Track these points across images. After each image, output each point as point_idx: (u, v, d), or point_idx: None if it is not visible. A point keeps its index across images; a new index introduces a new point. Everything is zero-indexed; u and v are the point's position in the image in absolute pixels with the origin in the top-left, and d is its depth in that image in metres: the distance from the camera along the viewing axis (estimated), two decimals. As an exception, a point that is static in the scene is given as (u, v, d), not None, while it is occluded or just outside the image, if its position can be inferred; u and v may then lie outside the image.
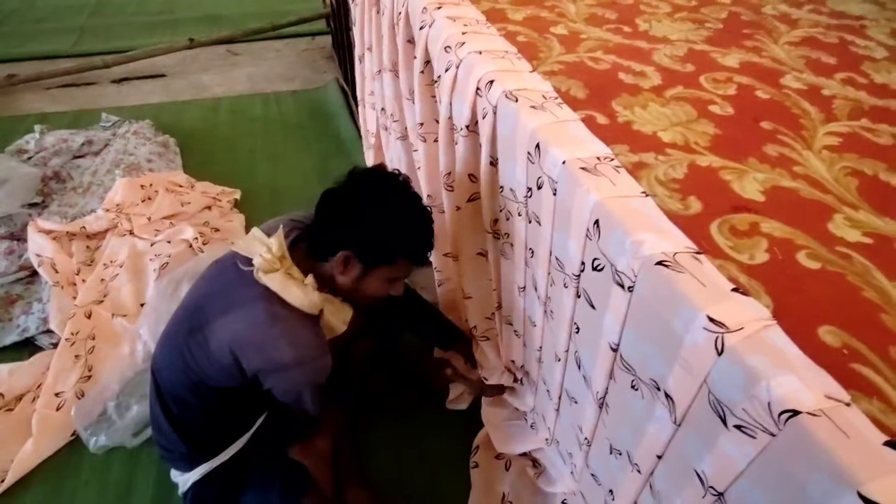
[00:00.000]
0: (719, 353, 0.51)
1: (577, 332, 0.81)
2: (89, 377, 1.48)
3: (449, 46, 1.00)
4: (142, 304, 1.65)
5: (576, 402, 0.91)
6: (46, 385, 1.43)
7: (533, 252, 0.90)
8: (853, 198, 0.70)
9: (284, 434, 1.20)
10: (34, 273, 1.73)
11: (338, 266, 0.94)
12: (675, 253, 0.58)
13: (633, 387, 0.68)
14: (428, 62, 1.13)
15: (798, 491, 0.45)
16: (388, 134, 1.64)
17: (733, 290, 0.54)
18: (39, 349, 1.55)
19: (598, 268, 0.68)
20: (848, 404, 0.45)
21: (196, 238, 1.81)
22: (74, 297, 1.65)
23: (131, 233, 1.86)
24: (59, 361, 1.48)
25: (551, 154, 0.72)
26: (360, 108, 2.07)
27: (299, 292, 0.90)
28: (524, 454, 1.23)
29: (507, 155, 0.87)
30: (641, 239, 0.59)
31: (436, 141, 1.23)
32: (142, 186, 1.98)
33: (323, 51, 3.17)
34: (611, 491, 0.84)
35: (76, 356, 1.51)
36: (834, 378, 0.47)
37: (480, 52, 0.94)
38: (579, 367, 0.84)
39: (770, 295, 0.56)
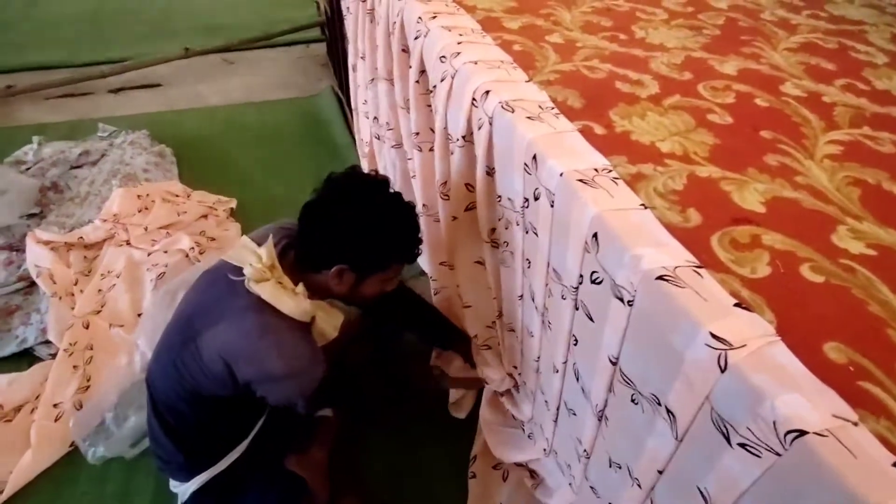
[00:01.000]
0: (722, 371, 0.50)
1: (576, 345, 0.80)
2: (87, 387, 1.48)
3: (444, 56, 0.99)
4: (139, 314, 1.65)
5: (574, 414, 0.90)
6: (45, 396, 1.43)
7: (530, 263, 0.89)
8: (856, 208, 0.69)
9: (281, 443, 1.20)
10: (33, 284, 1.72)
11: (332, 279, 0.94)
12: (676, 267, 0.57)
13: (633, 401, 0.67)
14: (423, 72, 1.12)
15: (805, 513, 0.44)
16: (381, 143, 1.63)
17: (735, 305, 0.53)
18: (38, 360, 1.55)
19: (597, 281, 0.67)
20: (855, 424, 0.44)
21: (192, 248, 1.81)
22: (72, 308, 1.65)
23: (128, 243, 1.85)
24: (57, 372, 1.48)
25: (548, 166, 0.72)
26: (354, 117, 2.07)
27: (291, 301, 0.90)
28: (521, 465, 1.21)
29: (504, 165, 0.86)
30: (641, 253, 0.58)
31: (431, 150, 1.23)
32: (138, 196, 1.98)
33: (318, 59, 3.17)
34: (610, 504, 0.83)
35: (74, 367, 1.50)
36: (840, 396, 0.46)
37: (476, 62, 0.93)
38: (578, 379, 0.83)
39: (773, 310, 0.55)
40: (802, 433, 0.43)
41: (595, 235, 0.64)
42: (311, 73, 3.06)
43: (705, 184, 0.73)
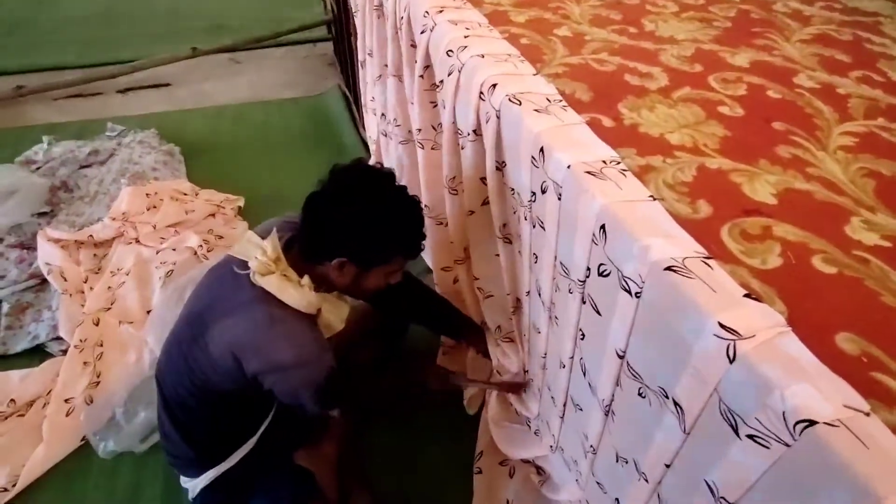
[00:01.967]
0: (731, 361, 0.49)
1: (583, 339, 0.79)
2: (98, 383, 1.49)
3: (451, 50, 0.99)
4: (148, 312, 1.66)
5: (581, 410, 0.89)
6: (56, 391, 1.44)
7: (537, 257, 0.89)
8: (870, 200, 0.68)
9: (290, 439, 1.20)
10: (44, 281, 1.74)
11: (334, 271, 0.94)
12: (685, 258, 0.56)
13: (640, 394, 0.66)
14: (427, 66, 1.12)
15: (815, 505, 0.43)
16: (388, 139, 1.63)
17: (745, 295, 0.52)
18: (50, 356, 1.56)
19: (605, 273, 0.66)
20: (867, 414, 0.43)
21: (201, 245, 1.82)
22: (83, 305, 1.67)
23: (137, 241, 1.87)
24: (68, 368, 1.49)
25: (555, 158, 0.71)
26: (362, 114, 2.07)
27: (296, 293, 0.91)
28: (528, 461, 1.21)
29: (512, 159, 0.86)
30: (649, 244, 0.58)
31: (434, 148, 1.23)
32: (147, 195, 1.99)
33: (324, 57, 3.17)
34: (617, 500, 0.83)
35: (85, 363, 1.52)
36: (852, 387, 0.45)
37: (483, 56, 0.93)
38: (585, 374, 0.83)
39: (784, 301, 0.55)
40: (813, 423, 0.43)
41: (603, 227, 0.64)
42: (317, 71, 3.06)
43: (715, 175, 0.72)
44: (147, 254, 1.82)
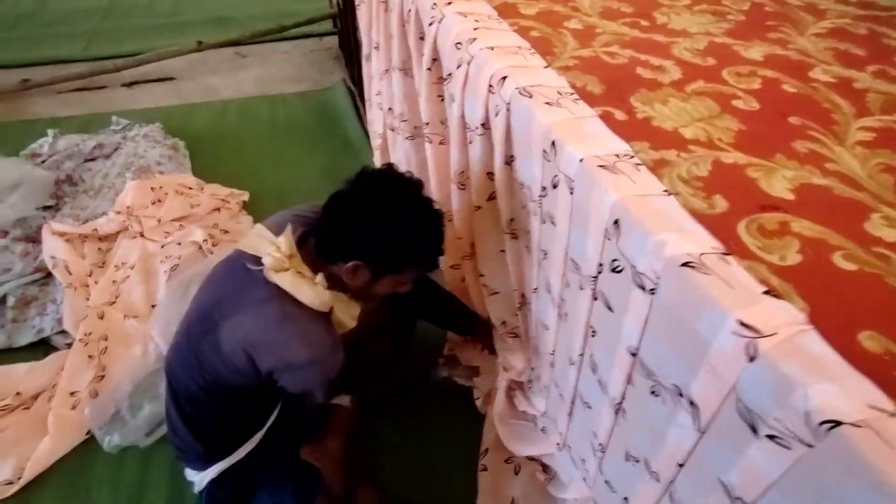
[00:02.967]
0: (750, 359, 0.48)
1: (594, 336, 0.78)
2: (102, 377, 1.49)
3: (460, 43, 0.97)
4: (153, 306, 1.66)
5: (590, 407, 0.88)
6: (61, 385, 1.44)
7: (546, 253, 0.88)
8: (890, 195, 0.67)
9: (296, 432, 1.20)
10: (49, 275, 1.74)
11: (347, 273, 0.93)
12: (701, 254, 0.55)
13: (653, 392, 0.65)
14: (435, 59, 1.11)
15: (838, 507, 0.42)
16: (395, 134, 1.62)
17: (765, 292, 0.51)
18: (54, 349, 1.56)
19: (618, 269, 0.65)
20: (892, 414, 0.42)
21: (206, 240, 1.81)
22: (87, 299, 1.66)
23: (142, 235, 1.86)
24: (73, 361, 1.49)
25: (568, 151, 0.70)
26: (367, 109, 2.06)
27: (311, 291, 0.90)
28: (533, 459, 1.20)
29: (522, 153, 0.85)
30: (664, 239, 0.57)
31: (441, 143, 1.21)
32: (152, 189, 1.99)
33: (330, 51, 3.16)
34: (626, 499, 0.82)
35: (89, 356, 1.51)
36: (877, 386, 0.44)
37: (492, 48, 0.92)
38: (595, 372, 0.82)
39: (804, 298, 0.54)
40: (837, 423, 0.42)
41: (616, 222, 0.62)
42: (323, 65, 3.05)
43: (731, 170, 0.71)
44: (152, 248, 1.81)
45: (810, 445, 0.44)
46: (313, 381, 0.97)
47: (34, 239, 1.84)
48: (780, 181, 0.69)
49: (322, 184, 2.10)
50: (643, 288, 0.60)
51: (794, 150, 0.74)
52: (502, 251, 1.12)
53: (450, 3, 1.07)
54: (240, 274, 0.93)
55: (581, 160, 0.67)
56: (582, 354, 0.84)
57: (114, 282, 1.72)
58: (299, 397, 1.04)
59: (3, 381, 1.46)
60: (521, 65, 0.87)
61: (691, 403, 0.57)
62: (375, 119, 1.89)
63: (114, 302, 1.67)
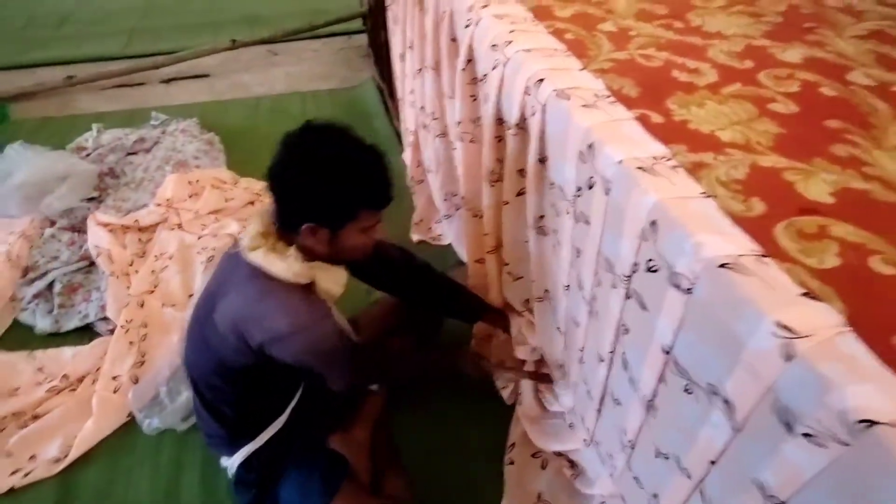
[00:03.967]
0: (788, 360, 0.49)
1: (626, 334, 0.80)
2: (143, 363, 1.56)
3: (496, 45, 0.99)
4: (190, 295, 1.72)
5: (619, 404, 0.90)
6: (105, 369, 1.52)
7: (579, 252, 0.89)
8: (931, 200, 0.67)
9: (324, 422, 1.23)
10: (93, 263, 1.83)
11: (307, 238, 0.95)
12: (739, 255, 0.56)
13: (686, 390, 0.66)
14: (470, 60, 1.13)
15: (874, 504, 0.43)
16: (426, 132, 1.65)
17: (803, 294, 0.52)
18: (98, 335, 1.65)
19: (653, 269, 0.66)
20: (930, 416, 0.43)
21: (240, 232, 1.87)
22: (128, 287, 1.74)
23: (180, 226, 1.94)
24: (115, 347, 1.57)
25: (606, 153, 0.71)
26: (400, 106, 2.09)
27: (282, 264, 0.93)
28: (560, 454, 1.21)
29: (556, 153, 0.86)
30: (702, 241, 0.58)
31: (472, 141, 1.23)
32: (189, 182, 2.07)
33: (359, 50, 3.21)
34: (655, 495, 0.83)
35: (130, 342, 1.59)
36: (914, 390, 0.45)
37: (529, 51, 0.93)
38: (626, 369, 0.83)
39: (843, 301, 0.54)
40: (873, 423, 0.43)
41: (654, 223, 0.64)
42: (352, 64, 3.10)
43: (769, 173, 0.71)
44: (189, 239, 1.89)
45: (846, 444, 0.45)
46: (303, 349, 0.98)
47: (79, 229, 1.93)
48: (818, 185, 0.69)
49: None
50: (679, 288, 0.61)
51: (832, 153, 0.74)
52: (526, 242, 1.14)
53: (486, 6, 1.09)
54: (231, 258, 1.00)
55: (620, 162, 0.69)
56: (612, 352, 0.85)
57: (153, 271, 1.80)
58: (321, 382, 1.06)
59: (51, 364, 1.55)
60: (557, 67, 0.89)
61: (726, 402, 0.58)
62: (408, 117, 1.92)
63: (153, 291, 1.75)
